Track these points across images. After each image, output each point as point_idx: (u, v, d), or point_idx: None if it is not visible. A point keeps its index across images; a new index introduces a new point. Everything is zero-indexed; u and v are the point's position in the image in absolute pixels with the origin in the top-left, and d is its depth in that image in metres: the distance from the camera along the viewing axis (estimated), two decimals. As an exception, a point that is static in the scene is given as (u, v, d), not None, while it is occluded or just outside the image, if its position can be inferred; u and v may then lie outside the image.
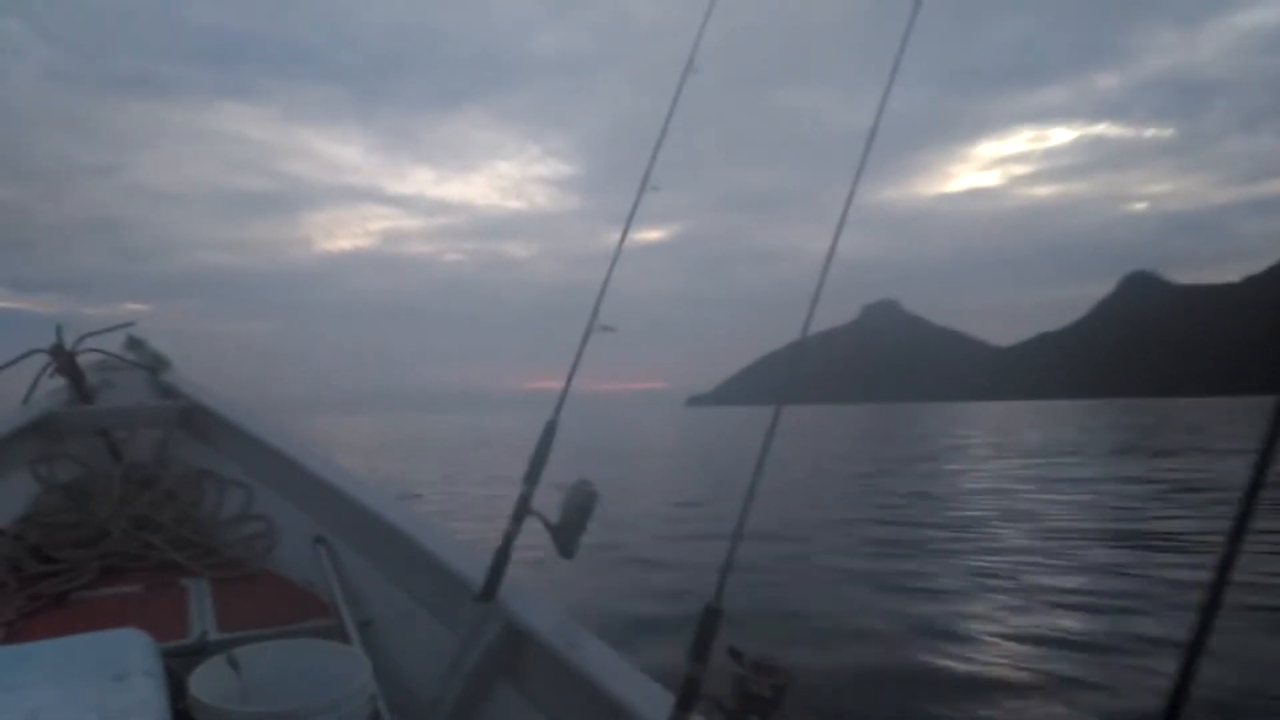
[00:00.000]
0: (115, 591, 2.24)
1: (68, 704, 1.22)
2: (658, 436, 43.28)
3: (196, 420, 3.46)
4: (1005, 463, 19.35)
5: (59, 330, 3.59)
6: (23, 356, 3.53)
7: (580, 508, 1.86)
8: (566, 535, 1.87)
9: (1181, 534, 8.76)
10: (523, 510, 1.96)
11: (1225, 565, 0.79)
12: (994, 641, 5.22)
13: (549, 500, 1.93)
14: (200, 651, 1.75)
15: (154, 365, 3.90)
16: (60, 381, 3.54)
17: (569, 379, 2.09)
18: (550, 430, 2.03)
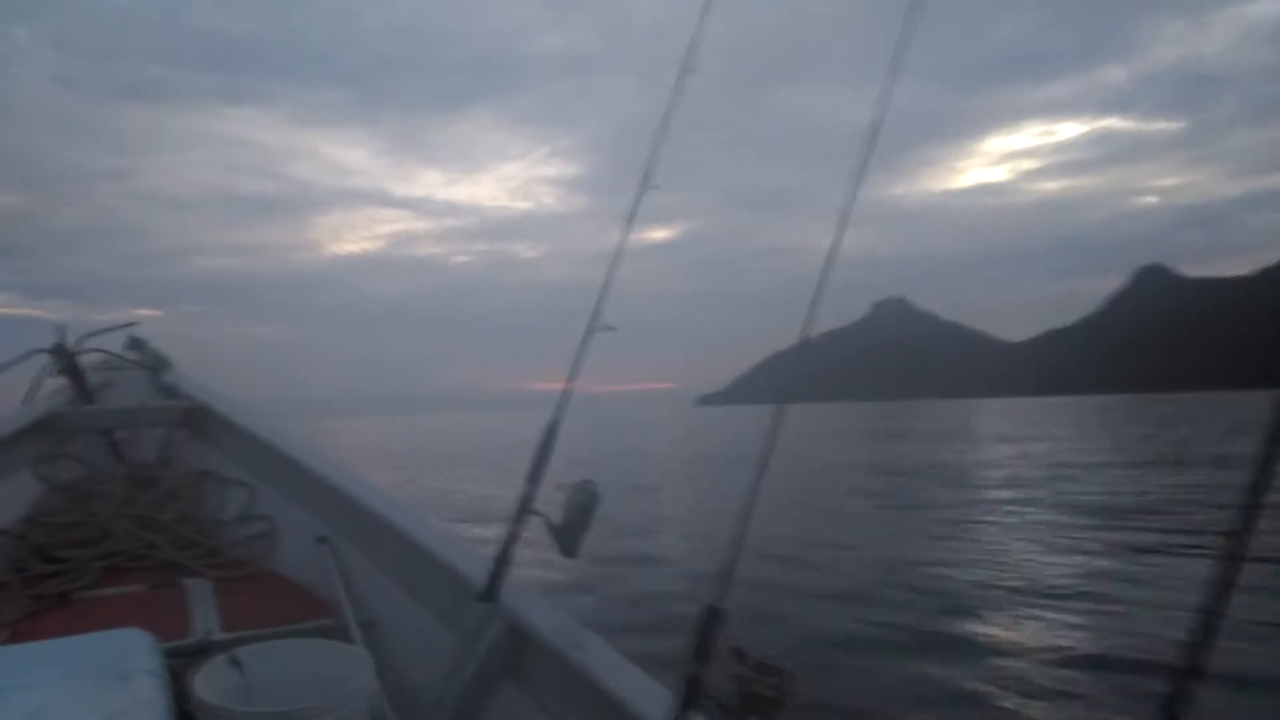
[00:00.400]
0: (118, 591, 2.24)
1: (71, 704, 1.22)
2: (664, 436, 43.31)
3: (198, 420, 3.46)
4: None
5: (61, 330, 3.59)
6: (25, 356, 3.53)
7: (582, 507, 1.86)
8: (569, 535, 1.87)
9: None
10: (524, 510, 1.96)
11: (1228, 567, 0.78)
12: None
13: (550, 499, 1.93)
14: (203, 651, 1.74)
15: (155, 365, 3.90)
16: (62, 382, 3.54)
17: (570, 378, 2.08)
18: (552, 430, 2.03)
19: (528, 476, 1.99)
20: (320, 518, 2.73)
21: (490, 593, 1.97)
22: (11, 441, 3.01)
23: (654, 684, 1.61)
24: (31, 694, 1.23)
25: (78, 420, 3.33)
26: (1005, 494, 12.73)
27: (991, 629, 5.49)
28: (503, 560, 1.98)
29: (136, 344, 4.04)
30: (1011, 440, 27.86)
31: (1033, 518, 10.29)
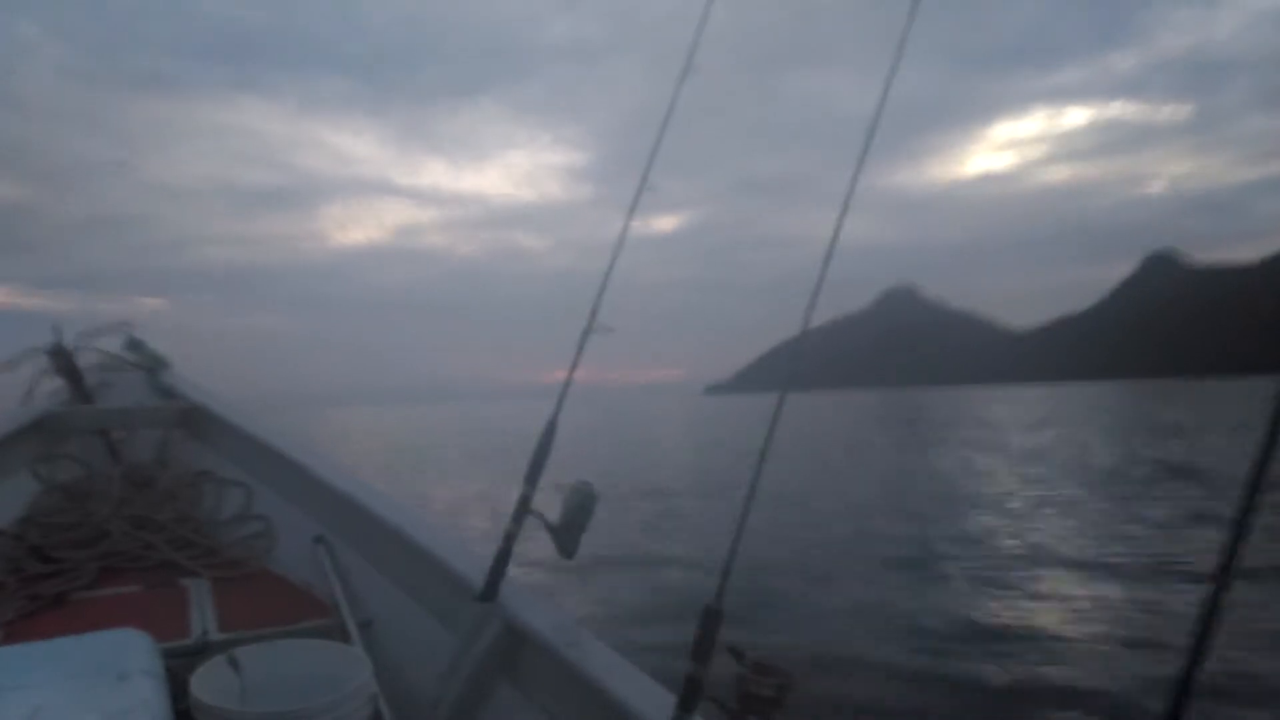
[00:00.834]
0: (115, 592, 2.23)
1: (68, 704, 1.21)
2: (666, 428, 43.31)
3: (195, 420, 3.45)
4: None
5: (58, 330, 3.58)
6: (22, 356, 3.52)
7: (580, 507, 1.86)
8: (567, 535, 1.87)
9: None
10: (523, 510, 1.96)
11: (1230, 555, 0.78)
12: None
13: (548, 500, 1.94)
14: (201, 651, 1.74)
15: (153, 365, 3.89)
16: (60, 382, 3.54)
17: (567, 379, 2.09)
18: (550, 430, 2.03)
19: (526, 476, 1.99)
20: (317, 518, 2.73)
21: (488, 593, 1.97)
22: (8, 441, 3.01)
23: (652, 684, 1.61)
24: (29, 694, 1.23)
25: (75, 420, 3.32)
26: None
27: (998, 626, 5.50)
28: (501, 560, 1.98)
29: (134, 344, 4.04)
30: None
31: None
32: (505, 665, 1.94)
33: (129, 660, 1.37)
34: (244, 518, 2.83)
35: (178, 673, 1.48)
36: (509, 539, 1.97)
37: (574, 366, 2.07)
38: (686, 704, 1.31)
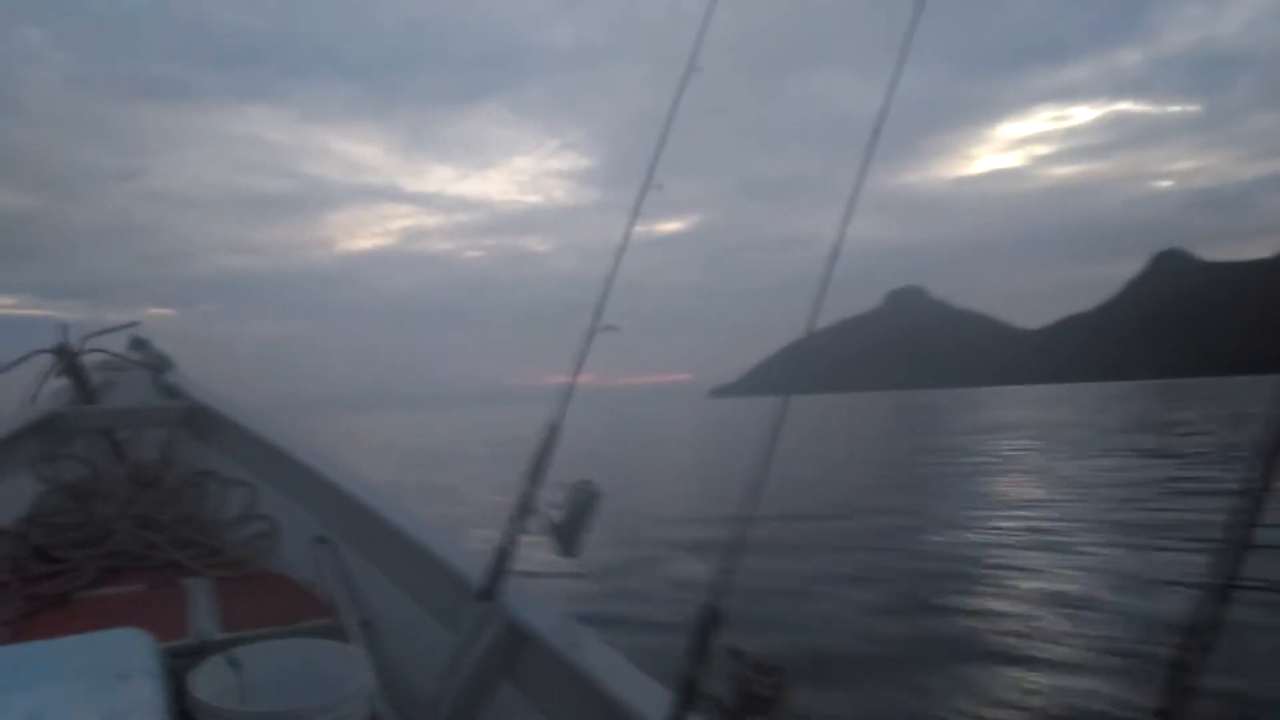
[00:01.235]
0: (117, 591, 2.24)
1: (69, 704, 1.22)
2: (669, 429, 43.29)
3: (199, 420, 3.46)
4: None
5: (64, 330, 3.60)
6: (27, 356, 3.54)
7: (582, 507, 1.86)
8: (569, 534, 1.87)
9: None
10: (525, 510, 1.96)
11: (1231, 557, 0.78)
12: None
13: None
14: (202, 651, 1.74)
15: (157, 365, 3.90)
16: (65, 382, 3.55)
17: (573, 378, 2.09)
18: (553, 430, 2.03)
19: (528, 476, 1.99)
20: (320, 518, 2.74)
21: (489, 592, 1.97)
22: (13, 441, 3.02)
23: (652, 684, 1.61)
24: (31, 694, 1.23)
25: (79, 420, 3.33)
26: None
27: (998, 624, 5.49)
28: (502, 560, 1.98)
29: (139, 344, 4.05)
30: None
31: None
32: (506, 665, 1.94)
33: (130, 660, 1.37)
34: (247, 517, 2.83)
35: (178, 672, 1.48)
36: (509, 538, 1.98)
37: (579, 366, 2.07)
38: (686, 703, 1.31)
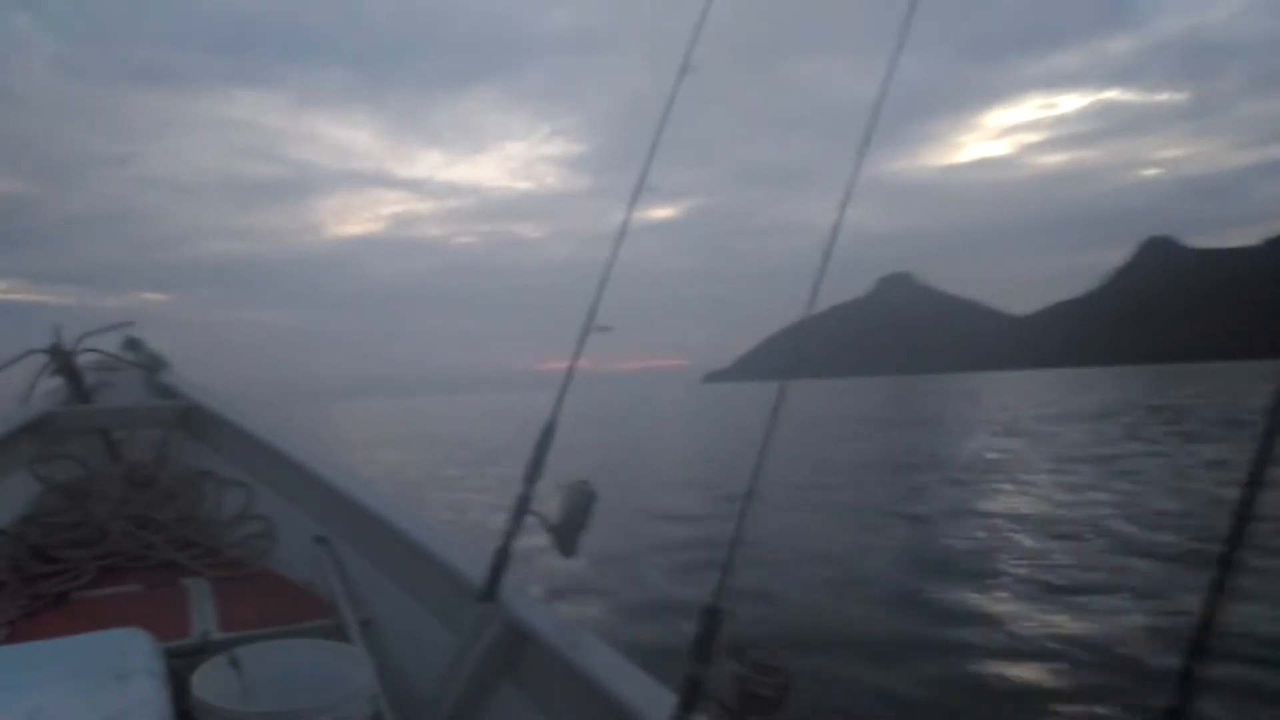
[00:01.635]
0: (116, 591, 2.24)
1: (69, 704, 1.21)
2: (665, 416, 43.17)
3: (195, 420, 3.45)
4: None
5: (57, 330, 3.59)
6: (21, 356, 3.53)
7: (580, 507, 1.87)
8: (567, 534, 1.87)
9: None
10: (522, 510, 1.96)
11: (1231, 549, 0.78)
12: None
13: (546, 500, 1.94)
14: (201, 651, 1.74)
15: (152, 365, 3.89)
16: (59, 381, 3.54)
17: (567, 377, 2.09)
18: (549, 430, 2.03)
19: (525, 476, 1.99)
20: (318, 517, 2.73)
21: (489, 592, 1.97)
22: (7, 441, 3.01)
23: (653, 684, 1.61)
24: (30, 694, 1.23)
25: (74, 420, 3.32)
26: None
27: (1000, 622, 5.50)
28: (501, 560, 1.98)
29: (133, 344, 4.04)
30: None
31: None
32: (506, 665, 1.94)
33: (130, 660, 1.37)
34: (244, 517, 2.83)
35: (178, 672, 1.48)
36: (509, 538, 1.98)
37: (572, 366, 2.07)
38: (687, 704, 1.32)
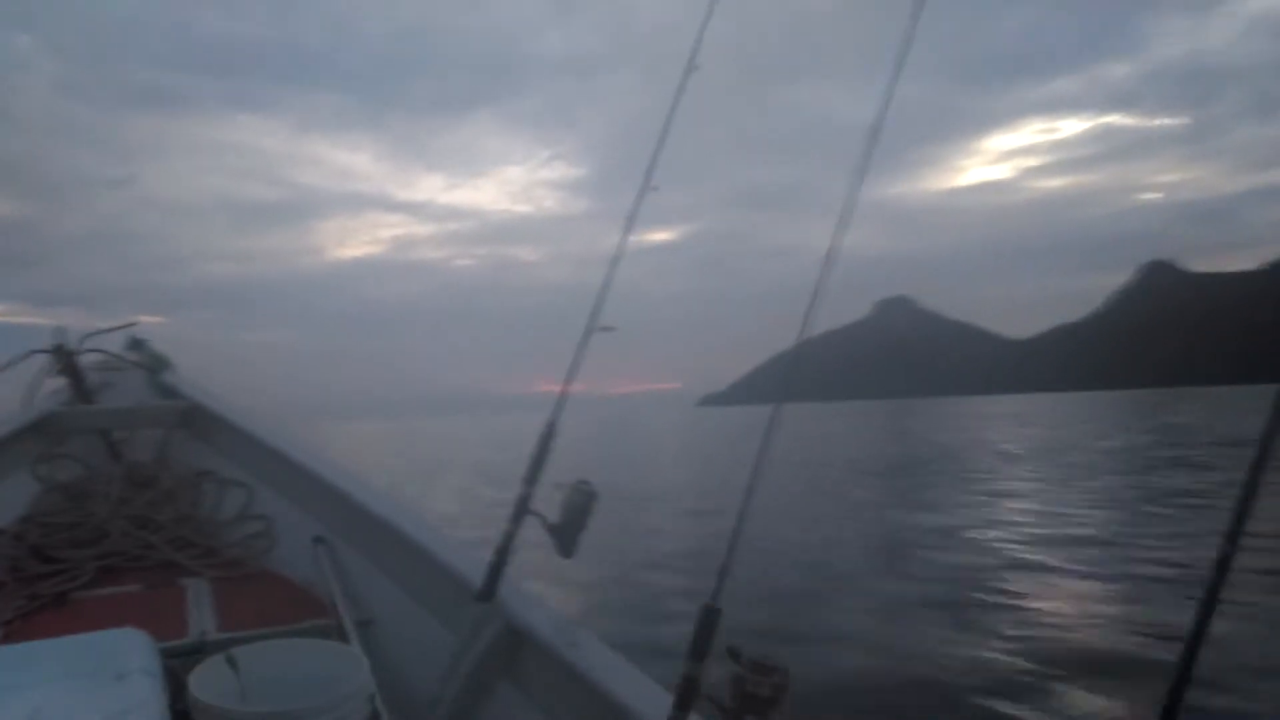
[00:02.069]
0: (115, 591, 2.24)
1: (68, 704, 1.21)
2: (657, 439, 43.26)
3: (196, 420, 3.46)
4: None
5: (61, 331, 3.59)
6: (24, 357, 3.53)
7: (579, 508, 1.87)
8: (566, 535, 1.87)
9: None
10: (522, 510, 1.96)
11: (1224, 560, 0.78)
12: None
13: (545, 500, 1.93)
14: (200, 651, 1.74)
15: (154, 365, 3.90)
16: (61, 382, 3.54)
17: (568, 380, 2.09)
18: (550, 431, 2.03)
19: (525, 477, 1.99)
20: (317, 518, 2.73)
21: (488, 593, 1.97)
22: (9, 441, 3.02)
23: (651, 684, 1.61)
24: (29, 693, 1.23)
25: (76, 420, 3.33)
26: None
27: (998, 624, 5.49)
28: (500, 560, 1.98)
29: (136, 344, 4.05)
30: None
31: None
32: (505, 665, 1.94)
33: (128, 660, 1.37)
34: (244, 517, 2.83)
35: (177, 672, 1.48)
36: (508, 539, 1.97)
37: (575, 367, 2.07)
38: (684, 703, 1.31)
